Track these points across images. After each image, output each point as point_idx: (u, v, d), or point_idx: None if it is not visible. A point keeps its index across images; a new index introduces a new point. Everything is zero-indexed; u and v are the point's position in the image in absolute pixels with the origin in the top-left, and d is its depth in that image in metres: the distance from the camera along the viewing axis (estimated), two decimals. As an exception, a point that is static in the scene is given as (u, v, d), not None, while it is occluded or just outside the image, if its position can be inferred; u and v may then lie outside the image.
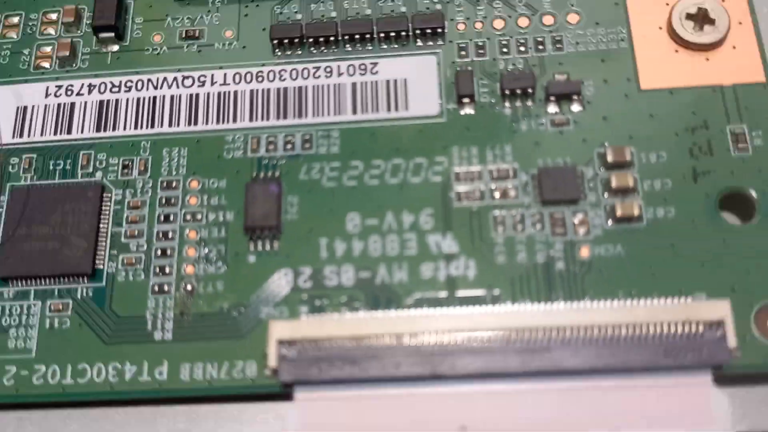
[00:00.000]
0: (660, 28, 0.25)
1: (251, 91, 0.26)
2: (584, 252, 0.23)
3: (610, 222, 0.23)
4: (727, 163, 0.23)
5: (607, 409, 0.21)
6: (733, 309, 0.21)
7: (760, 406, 0.22)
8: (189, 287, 0.23)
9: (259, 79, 0.26)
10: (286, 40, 0.26)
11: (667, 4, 0.25)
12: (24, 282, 0.24)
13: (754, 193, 0.23)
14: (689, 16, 0.25)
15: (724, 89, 0.24)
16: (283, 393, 0.22)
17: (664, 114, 0.24)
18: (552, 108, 0.24)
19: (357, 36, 0.26)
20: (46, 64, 0.27)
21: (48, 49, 0.27)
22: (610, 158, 0.23)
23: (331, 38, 0.26)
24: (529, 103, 0.25)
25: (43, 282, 0.24)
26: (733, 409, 0.22)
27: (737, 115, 0.24)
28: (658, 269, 0.22)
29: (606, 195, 0.23)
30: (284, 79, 0.26)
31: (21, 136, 0.26)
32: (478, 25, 0.26)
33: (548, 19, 0.26)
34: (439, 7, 0.26)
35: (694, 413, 0.21)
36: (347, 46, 0.26)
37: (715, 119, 0.24)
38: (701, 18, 0.25)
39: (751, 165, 0.23)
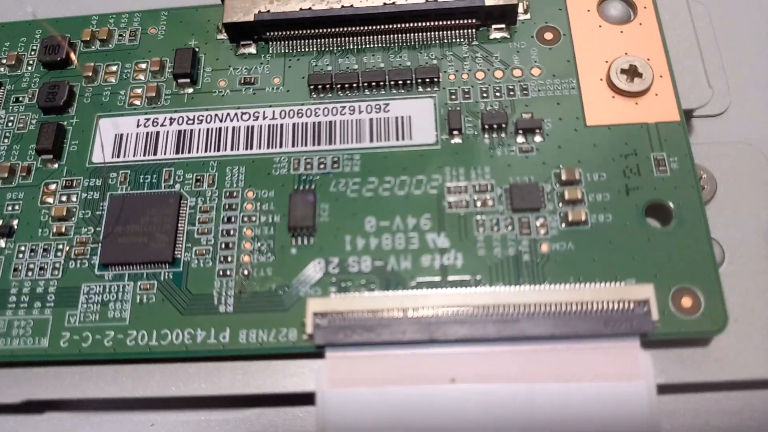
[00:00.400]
0: (601, 79, 0.25)
1: (293, 124, 0.25)
2: (544, 247, 0.22)
3: (563, 225, 0.23)
4: (651, 182, 0.23)
5: (561, 366, 0.21)
6: (656, 291, 0.21)
7: (675, 363, 0.22)
8: (246, 272, 0.23)
9: (300, 115, 0.25)
10: (320, 86, 0.25)
11: (606, 62, 0.25)
12: (120, 267, 0.23)
13: (671, 204, 0.23)
14: (623, 71, 0.25)
15: (649, 126, 0.24)
16: (316, 353, 0.22)
17: (604, 144, 0.24)
18: (520, 139, 0.24)
19: (374, 83, 0.25)
20: (138, 102, 0.26)
21: (139, 90, 0.26)
22: (563, 177, 0.23)
23: (354, 85, 0.25)
24: (503, 135, 0.24)
25: (134, 267, 0.23)
26: (655, 366, 0.21)
27: (659, 146, 0.23)
28: (600, 261, 0.22)
29: (561, 204, 0.23)
30: (318, 116, 0.25)
31: (118, 156, 0.25)
32: (465, 76, 0.25)
33: (517, 72, 0.25)
34: (435, 62, 0.26)
35: (626, 369, 0.21)
36: (366, 90, 0.25)
37: (642, 148, 0.23)
38: (632, 72, 0.24)
39: (669, 183, 0.23)
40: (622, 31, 0.26)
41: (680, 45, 0.26)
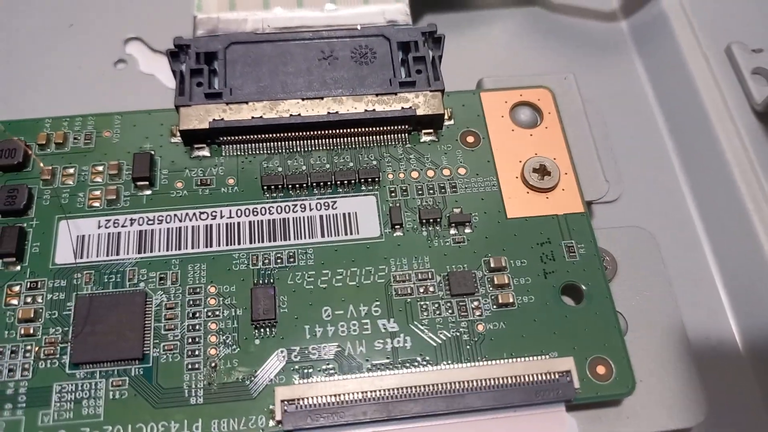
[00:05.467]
0: (516, 177, 0.28)
1: (249, 222, 0.27)
2: (480, 327, 0.25)
3: (495, 307, 0.25)
4: (564, 266, 0.26)
5: (500, 432, 0.24)
6: (575, 362, 0.24)
7: (594, 422, 0.25)
8: (213, 364, 0.24)
9: (255, 213, 0.27)
10: (272, 186, 0.27)
11: (520, 161, 0.28)
12: (91, 365, 0.24)
13: (582, 286, 0.26)
14: (534, 170, 0.28)
15: (558, 217, 0.27)
16: (285, 437, 0.23)
17: (523, 234, 0.27)
18: (453, 231, 0.27)
19: (321, 183, 0.27)
20: (97, 204, 0.27)
21: (97, 192, 0.27)
22: (492, 264, 0.26)
23: (304, 184, 0.27)
24: (438, 228, 0.27)
25: (105, 365, 0.24)
26: (578, 426, 0.24)
27: (568, 234, 0.27)
28: (527, 337, 0.25)
29: (491, 288, 0.26)
30: (272, 213, 0.27)
31: (82, 257, 0.26)
32: (401, 176, 0.28)
33: (446, 172, 0.28)
34: (375, 163, 0.28)
35: (555, 430, 0.24)
36: (315, 189, 0.27)
37: (554, 237, 0.27)
38: (542, 171, 0.28)
39: (578, 266, 0.26)
40: (531, 134, 0.29)
41: (580, 144, 0.30)
